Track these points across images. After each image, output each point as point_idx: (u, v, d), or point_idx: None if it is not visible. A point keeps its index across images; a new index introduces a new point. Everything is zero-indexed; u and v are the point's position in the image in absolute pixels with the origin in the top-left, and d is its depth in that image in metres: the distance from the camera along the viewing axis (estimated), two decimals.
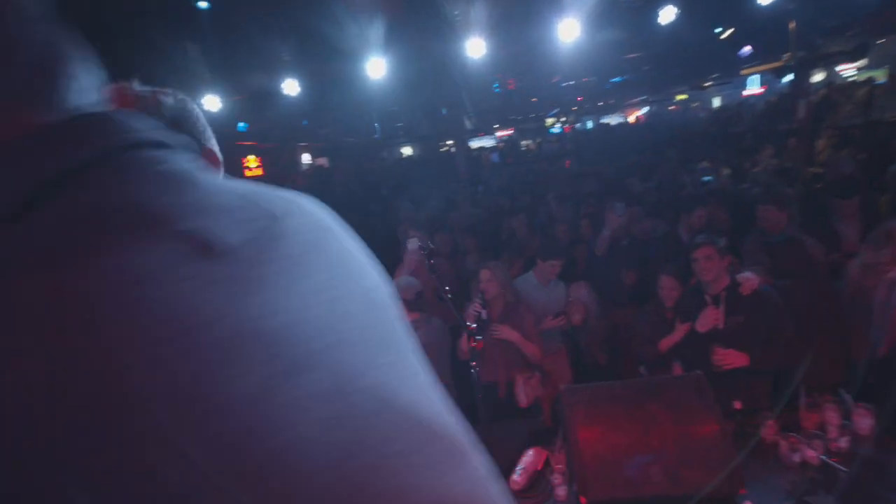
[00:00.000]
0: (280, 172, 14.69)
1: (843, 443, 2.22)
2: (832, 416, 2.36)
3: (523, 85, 11.39)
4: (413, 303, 2.62)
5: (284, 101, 6.80)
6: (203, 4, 3.63)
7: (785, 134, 8.11)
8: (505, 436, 2.57)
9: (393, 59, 4.93)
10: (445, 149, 17.75)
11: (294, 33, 4.30)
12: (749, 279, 2.67)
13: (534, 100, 14.56)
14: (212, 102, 5.23)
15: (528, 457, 2.39)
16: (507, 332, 2.86)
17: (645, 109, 19.13)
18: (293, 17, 4.04)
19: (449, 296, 3.52)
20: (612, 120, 18.20)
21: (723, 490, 1.94)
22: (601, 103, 17.44)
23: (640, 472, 2.02)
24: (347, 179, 12.03)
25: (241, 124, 10.56)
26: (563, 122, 16.83)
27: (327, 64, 5.41)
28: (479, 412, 2.74)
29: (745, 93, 16.61)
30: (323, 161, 18.19)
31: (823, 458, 2.14)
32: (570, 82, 11.83)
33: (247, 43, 4.26)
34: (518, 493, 2.25)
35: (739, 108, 12.27)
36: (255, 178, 14.99)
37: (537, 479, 2.31)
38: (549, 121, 17.59)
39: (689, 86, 15.78)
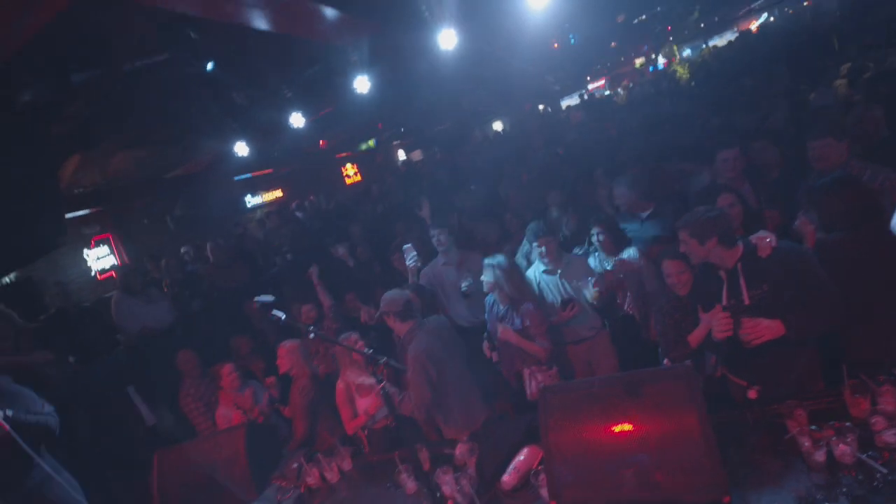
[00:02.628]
0: (376, 173, 15.61)
1: (892, 436, 1.80)
2: (887, 402, 1.93)
3: (589, 35, 10.35)
4: (402, 313, 2.70)
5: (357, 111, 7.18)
6: (210, 66, 4.08)
7: None
8: (506, 432, 2.56)
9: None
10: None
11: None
12: (763, 239, 2.23)
13: (613, 45, 13.14)
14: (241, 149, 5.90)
15: (523, 455, 2.37)
16: (504, 334, 2.80)
17: (763, 17, 15.88)
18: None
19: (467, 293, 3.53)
20: (723, 40, 15.46)
21: (702, 497, 1.74)
22: (703, 25, 14.97)
23: (613, 477, 1.88)
24: (435, 170, 12.22)
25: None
26: (654, 59, 14.82)
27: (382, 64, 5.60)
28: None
29: None
30: (416, 154, 18.80)
31: (861, 455, 1.77)
32: (641, 17, 10.39)
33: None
34: (506, 493, 2.26)
35: None
36: (356, 183, 16.23)
37: (529, 478, 2.28)
38: (638, 61, 15.66)
39: None
